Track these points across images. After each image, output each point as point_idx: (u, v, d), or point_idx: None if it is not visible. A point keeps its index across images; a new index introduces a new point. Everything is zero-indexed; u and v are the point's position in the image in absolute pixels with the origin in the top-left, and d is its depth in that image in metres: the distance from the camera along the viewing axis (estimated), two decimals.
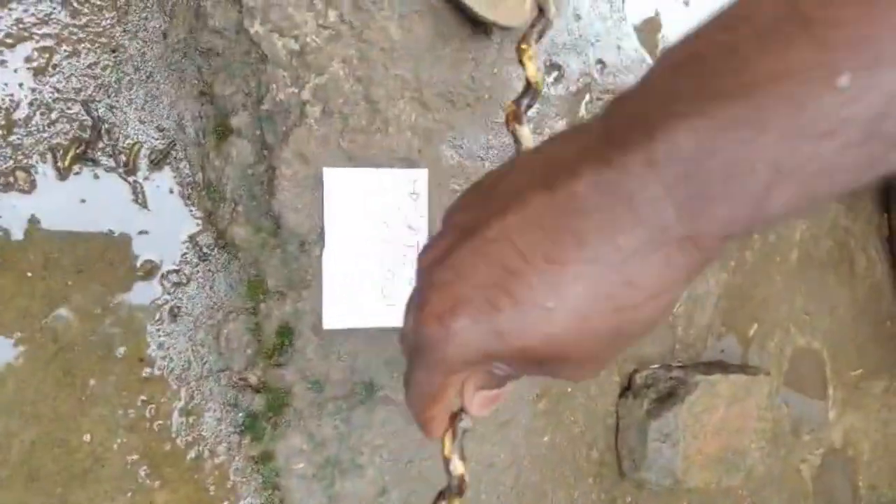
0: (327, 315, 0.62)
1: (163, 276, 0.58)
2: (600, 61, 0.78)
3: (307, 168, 0.61)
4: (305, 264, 0.62)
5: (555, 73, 0.75)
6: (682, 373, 0.77)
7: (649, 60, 0.81)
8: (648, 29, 0.82)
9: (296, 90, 0.59)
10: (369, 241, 0.63)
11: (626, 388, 0.79)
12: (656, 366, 0.81)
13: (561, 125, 0.75)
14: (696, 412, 0.74)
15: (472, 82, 0.69)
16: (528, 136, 0.30)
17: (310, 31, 0.60)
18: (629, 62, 0.80)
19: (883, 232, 1.06)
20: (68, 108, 0.55)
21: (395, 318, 0.64)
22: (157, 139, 0.55)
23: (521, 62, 0.32)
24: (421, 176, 0.65)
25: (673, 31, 0.83)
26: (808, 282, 0.97)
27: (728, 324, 0.89)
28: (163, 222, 0.57)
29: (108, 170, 0.54)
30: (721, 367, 0.82)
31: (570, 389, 0.76)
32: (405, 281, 0.65)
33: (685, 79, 0.19)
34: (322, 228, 0.62)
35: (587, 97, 0.77)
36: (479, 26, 0.68)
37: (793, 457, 0.95)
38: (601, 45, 0.78)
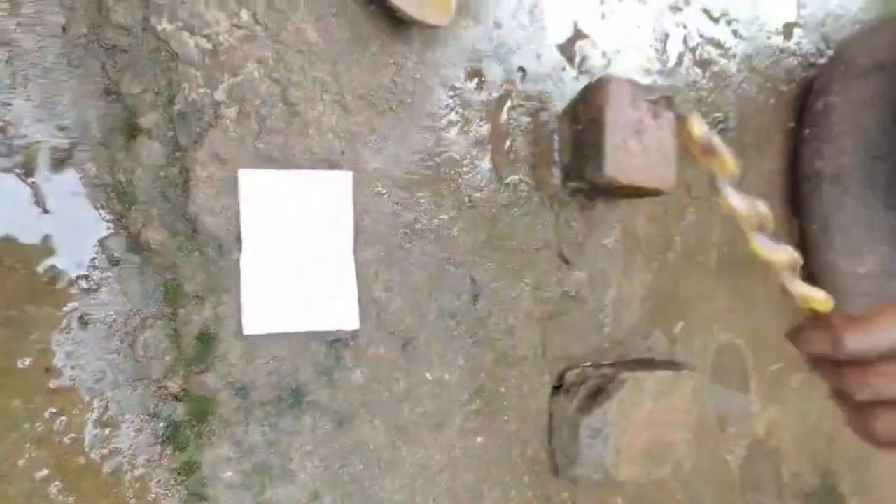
0: (247, 320, 0.60)
1: (70, 282, 0.55)
2: (521, 69, 0.80)
3: (224, 170, 0.60)
4: (225, 268, 0.61)
5: (476, 80, 0.76)
6: (611, 370, 0.78)
7: (569, 69, 0.84)
8: (567, 39, 0.85)
9: (209, 90, 0.58)
10: (291, 243, 0.62)
11: (558, 387, 0.80)
12: (587, 364, 0.82)
13: (485, 129, 0.76)
14: (624, 408, 0.75)
15: (393, 86, 0.70)
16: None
17: (222, 30, 0.60)
18: (549, 70, 0.83)
19: (794, 235, 1.12)
20: None
21: (319, 321, 0.63)
22: (59, 138, 0.53)
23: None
24: (344, 178, 0.65)
25: (590, 41, 0.87)
26: (729, 281, 1.02)
27: (655, 323, 0.91)
28: (68, 226, 0.54)
29: (4, 170, 0.52)
30: (648, 364, 0.84)
31: (503, 389, 0.76)
32: (328, 284, 0.64)
33: None
34: (240, 231, 0.61)
35: (509, 103, 0.79)
36: (401, 28, 0.69)
37: (720, 449, 0.98)
38: (522, 53, 0.80)
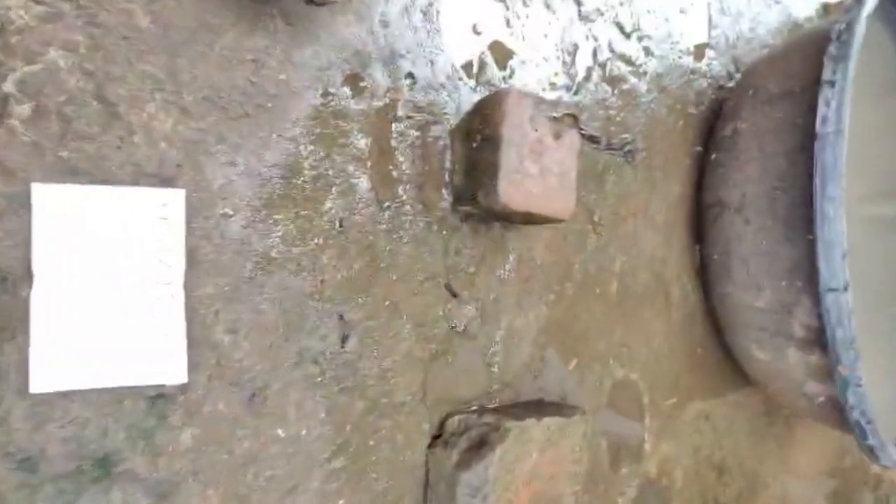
0: (36, 374, 0.48)
1: None
2: (410, 75, 0.70)
3: (11, 183, 0.47)
4: (10, 307, 0.48)
5: (355, 85, 0.66)
6: (494, 417, 0.70)
7: (466, 79, 0.75)
8: (466, 45, 0.76)
9: None
10: (99, 277, 0.50)
11: (438, 436, 0.72)
12: (473, 407, 0.74)
13: (364, 143, 0.66)
14: (507, 462, 0.67)
15: (250, 87, 0.58)
16: None
17: (15, 4, 0.46)
18: (443, 79, 0.73)
19: (695, 263, 1.09)
20: None
21: (134, 375, 0.51)
22: None
23: None
24: (174, 197, 0.53)
25: (491, 49, 0.78)
26: (627, 314, 0.96)
27: (548, 360, 0.85)
28: None
29: None
30: (538, 407, 0.77)
31: (372, 443, 0.67)
32: (149, 328, 0.52)
33: None
34: (31, 262, 0.48)
35: (394, 114, 0.69)
36: (263, 17, 0.58)
37: (611, 492, 0.93)
38: (412, 58, 0.71)
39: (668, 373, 1.04)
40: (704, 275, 1.08)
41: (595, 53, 0.92)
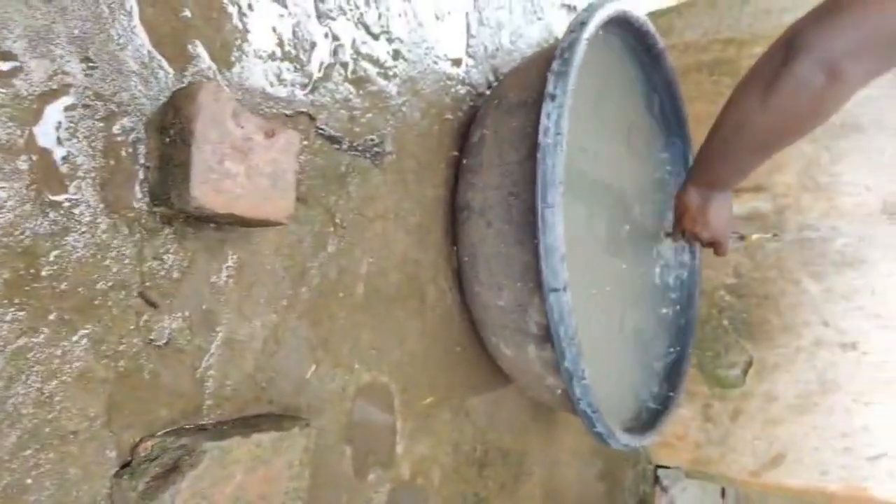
0: None
1: None
2: (88, 59, 0.62)
3: None
4: None
5: (8, 64, 0.57)
6: (191, 439, 0.65)
7: (168, 68, 0.69)
8: (170, 29, 0.69)
9: None
10: None
11: (127, 464, 0.64)
12: (173, 427, 0.68)
13: (20, 133, 0.57)
14: (201, 488, 0.62)
15: None
16: None
17: None
18: (137, 66, 0.66)
19: (453, 263, 1.11)
20: None
21: None
22: None
23: None
24: None
25: (203, 35, 0.72)
26: (376, 316, 0.95)
27: (279, 368, 0.81)
28: None
29: None
30: (254, 423, 0.72)
31: (29, 481, 0.58)
32: None
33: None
34: None
35: (65, 101, 0.60)
36: None
37: (356, 500, 0.91)
38: (95, 38, 0.62)
39: (423, 373, 1.05)
40: (460, 276, 1.11)
41: (336, 52, 0.90)
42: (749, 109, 0.83)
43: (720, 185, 1.02)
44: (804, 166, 1.47)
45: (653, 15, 1.62)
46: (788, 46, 0.76)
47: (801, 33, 0.74)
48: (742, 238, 1.53)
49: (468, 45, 1.19)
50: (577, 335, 0.91)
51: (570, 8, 1.64)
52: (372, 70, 0.96)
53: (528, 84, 1.00)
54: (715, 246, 1.12)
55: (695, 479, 1.76)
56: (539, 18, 1.45)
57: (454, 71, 1.15)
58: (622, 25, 1.19)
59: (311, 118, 0.86)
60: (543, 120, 0.90)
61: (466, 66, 1.18)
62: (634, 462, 1.76)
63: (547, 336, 0.94)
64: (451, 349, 1.12)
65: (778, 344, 1.54)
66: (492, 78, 1.25)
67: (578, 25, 0.98)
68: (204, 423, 0.71)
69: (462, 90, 1.17)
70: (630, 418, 1.28)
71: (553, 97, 0.91)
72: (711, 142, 0.92)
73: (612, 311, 1.22)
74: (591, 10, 1.02)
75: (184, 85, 0.68)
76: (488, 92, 1.21)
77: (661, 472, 1.78)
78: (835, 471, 1.50)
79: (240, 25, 0.77)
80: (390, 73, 1.00)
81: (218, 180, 0.65)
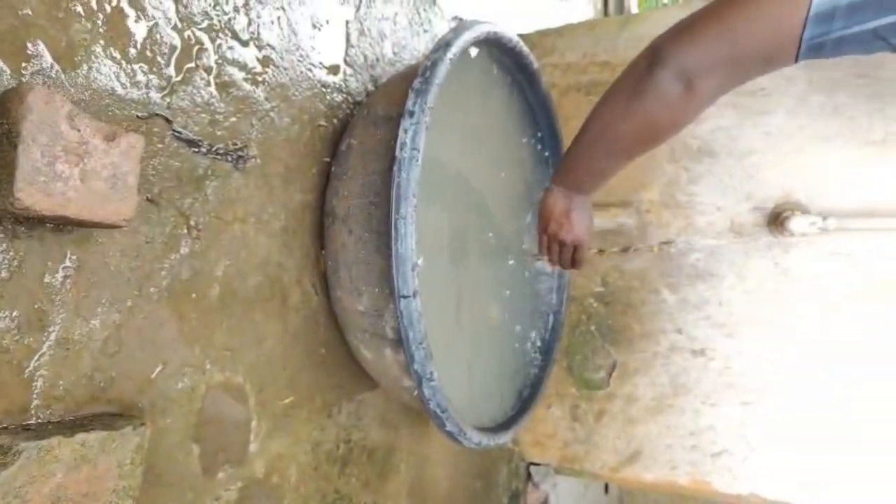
0: None
1: None
2: None
3: None
4: None
5: None
6: (10, 438, 0.65)
7: (2, 66, 0.68)
8: (4, 31, 0.69)
9: None
10: None
11: None
12: None
13: None
14: (14, 487, 0.62)
15: None
16: None
17: None
18: None
19: (321, 268, 1.14)
20: None
21: None
22: None
23: None
24: None
25: (49, 37, 0.72)
26: (232, 317, 0.97)
27: (120, 368, 0.81)
28: None
29: None
30: (85, 423, 0.73)
31: None
32: None
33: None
34: None
35: None
36: None
37: (203, 499, 0.92)
38: None
39: (282, 373, 1.07)
40: (327, 280, 1.14)
41: (199, 56, 0.91)
42: (613, 115, 0.88)
43: (584, 188, 1.06)
44: (665, 185, 1.60)
45: (537, 34, 1.71)
46: (651, 58, 0.81)
47: (663, 46, 0.80)
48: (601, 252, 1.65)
49: (346, 54, 1.22)
50: (426, 339, 0.97)
51: (462, 20, 1.70)
52: (238, 75, 0.98)
53: (394, 98, 1.04)
54: (577, 250, 1.14)
55: (563, 475, 1.87)
56: (426, 31, 1.51)
57: (330, 79, 1.18)
58: (495, 45, 1.26)
59: (168, 121, 0.87)
60: (401, 135, 0.95)
61: (344, 74, 1.22)
62: (508, 460, 1.85)
63: (400, 340, 0.99)
64: (316, 351, 1.15)
65: (638, 349, 1.66)
66: (371, 87, 1.29)
67: (443, 45, 1.03)
68: (30, 423, 0.71)
69: (339, 98, 1.20)
70: (494, 417, 1.36)
71: (411, 114, 0.96)
72: (577, 145, 0.97)
73: (478, 316, 1.29)
74: (458, 30, 1.08)
75: (14, 85, 0.68)
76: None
77: (533, 469, 1.88)
78: (683, 466, 1.64)
79: (90, 26, 0.77)
80: (258, 78, 1.02)
81: (46, 182, 0.65)
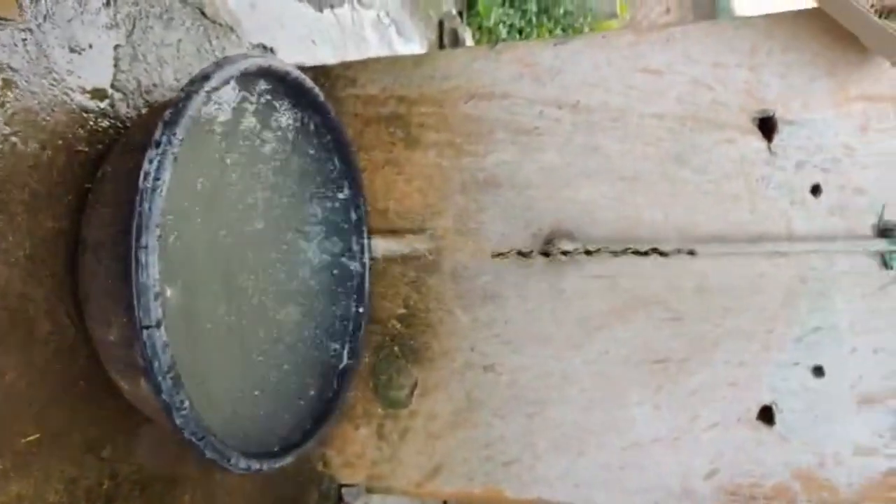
0: None
1: None
2: None
3: None
4: None
5: None
6: None
7: None
8: None
9: None
10: None
11: None
12: None
13: None
14: None
15: None
16: None
17: None
18: None
19: (75, 297, 1.10)
20: None
21: None
22: None
23: None
24: None
25: None
26: None
27: None
28: None
29: None
30: None
31: None
32: None
33: None
34: None
35: None
36: None
37: None
38: None
39: (26, 410, 1.02)
40: (84, 308, 1.11)
41: None
42: None
43: None
44: (458, 213, 1.71)
45: (341, 65, 1.77)
46: None
47: None
48: None
49: (115, 79, 1.21)
50: (174, 368, 0.97)
51: (265, 48, 1.73)
52: None
53: (149, 127, 1.05)
54: None
55: (374, 493, 1.91)
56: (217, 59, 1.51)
57: (94, 104, 1.15)
58: (275, 78, 1.29)
59: None
60: (145, 165, 0.95)
61: (112, 99, 1.20)
62: (318, 482, 1.86)
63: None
64: (73, 384, 1.11)
65: (437, 367, 1.75)
66: (145, 113, 1.27)
67: (200, 78, 1.05)
68: None
69: (104, 123, 1.18)
70: (289, 438, 1.37)
71: (157, 144, 0.97)
72: None
73: (262, 337, 1.30)
74: (221, 63, 1.10)
75: None
76: None
77: (344, 490, 1.91)
78: (479, 477, 1.74)
79: None
80: None
81: None
